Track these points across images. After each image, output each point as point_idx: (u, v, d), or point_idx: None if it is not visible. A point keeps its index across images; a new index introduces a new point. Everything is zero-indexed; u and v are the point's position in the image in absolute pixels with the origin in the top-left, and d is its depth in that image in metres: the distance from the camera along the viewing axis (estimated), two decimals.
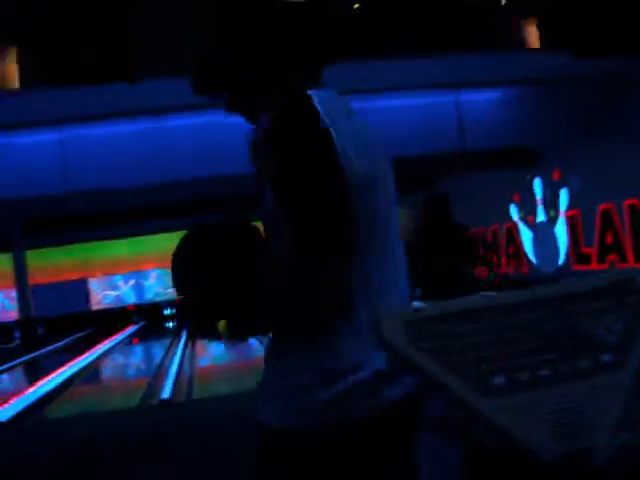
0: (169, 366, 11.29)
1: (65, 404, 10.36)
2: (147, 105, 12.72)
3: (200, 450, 6.13)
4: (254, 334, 1.88)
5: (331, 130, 1.61)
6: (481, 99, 15.12)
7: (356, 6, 14.83)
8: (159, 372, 11.48)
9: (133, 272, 26.44)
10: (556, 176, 17.18)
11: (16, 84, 14.65)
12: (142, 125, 13.70)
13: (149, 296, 26.19)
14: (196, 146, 12.91)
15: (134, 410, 8.83)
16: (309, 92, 1.71)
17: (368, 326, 1.44)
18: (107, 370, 15.24)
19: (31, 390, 11.24)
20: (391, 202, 1.80)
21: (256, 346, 10.11)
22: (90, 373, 14.05)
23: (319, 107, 1.64)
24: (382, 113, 13.87)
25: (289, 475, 1.70)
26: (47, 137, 13.73)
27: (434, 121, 14.31)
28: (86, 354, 16.17)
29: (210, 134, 12.58)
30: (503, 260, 20.55)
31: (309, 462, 1.66)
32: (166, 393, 9.20)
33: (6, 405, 9.59)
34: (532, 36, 15.53)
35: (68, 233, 24.41)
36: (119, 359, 16.86)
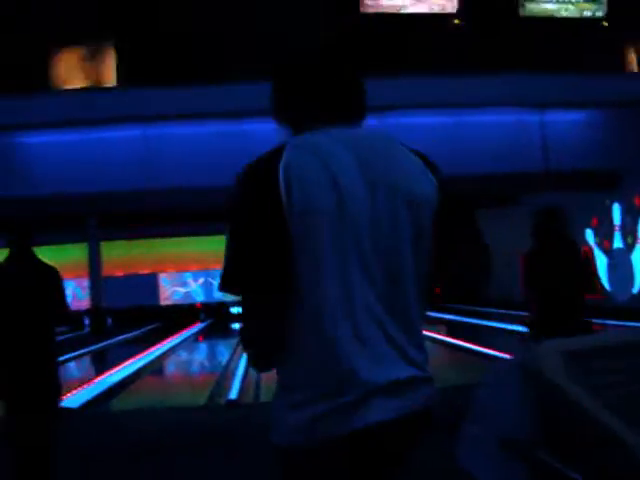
0: (236, 367, 11.34)
1: (132, 396, 10.50)
2: (231, 107, 12.86)
3: (267, 452, 6.12)
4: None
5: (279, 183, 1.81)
6: (565, 120, 14.91)
7: (456, 21, 14.77)
8: (226, 372, 11.55)
9: (203, 270, 26.70)
10: (637, 202, 16.81)
11: (113, 82, 15.01)
12: (224, 127, 13.85)
13: (218, 295, 26.36)
14: None
15: (201, 408, 8.89)
16: (294, 139, 1.94)
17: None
18: (174, 366, 15.41)
19: (100, 379, 11.44)
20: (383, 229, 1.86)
21: None
22: (157, 367, 14.24)
23: (290, 152, 1.85)
24: (469, 128, 13.82)
25: None
26: (132, 133, 13.98)
27: (518, 140, 14.15)
28: (153, 348, 16.37)
29: None
30: None
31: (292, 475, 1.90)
32: (233, 394, 9.26)
33: (76, 392, 9.75)
34: (629, 59, 15.27)
35: (142, 228, 24.80)
36: (186, 356, 17.04)
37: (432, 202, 1.92)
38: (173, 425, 7.59)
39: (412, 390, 1.84)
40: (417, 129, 13.01)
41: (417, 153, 1.98)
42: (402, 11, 15.02)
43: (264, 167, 1.85)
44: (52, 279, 4.96)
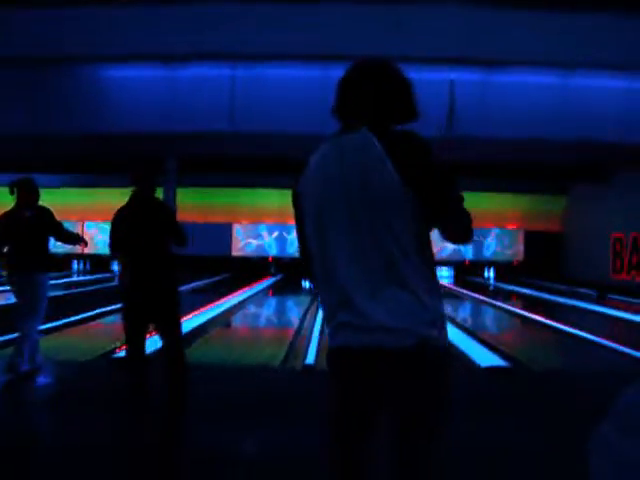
0: (311, 328, 10.77)
1: (200, 349, 9.95)
2: (327, 50, 12.08)
3: None
4: None
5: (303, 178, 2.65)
6: None
7: None
8: (300, 331, 11.02)
9: (278, 224, 26.19)
10: None
11: None
12: (312, 72, 13.06)
13: (291, 250, 25.93)
14: None
15: (276, 370, 8.33)
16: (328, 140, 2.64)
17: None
18: (242, 320, 14.87)
19: None
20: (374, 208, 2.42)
21: None
22: (226, 321, 13.79)
23: (315, 155, 2.63)
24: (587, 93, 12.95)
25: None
26: (218, 72, 13.34)
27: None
28: (222, 300, 15.95)
29: None
30: None
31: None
32: (310, 358, 8.67)
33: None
34: None
35: (220, 176, 24.30)
36: (255, 310, 16.54)
37: (390, 178, 2.38)
38: (243, 385, 7.21)
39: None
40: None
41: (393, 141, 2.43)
42: None
43: (301, 168, 2.65)
44: (169, 216, 5.79)
